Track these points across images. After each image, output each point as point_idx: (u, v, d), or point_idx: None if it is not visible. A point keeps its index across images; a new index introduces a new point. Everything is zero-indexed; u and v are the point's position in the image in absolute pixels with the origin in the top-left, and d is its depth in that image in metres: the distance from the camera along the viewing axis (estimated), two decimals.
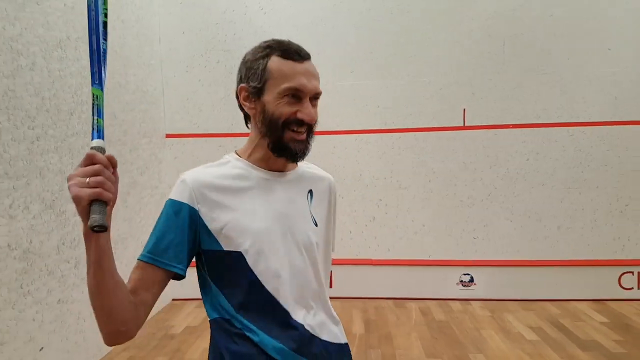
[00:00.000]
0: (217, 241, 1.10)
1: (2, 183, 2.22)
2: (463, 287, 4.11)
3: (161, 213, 1.11)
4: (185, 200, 1.09)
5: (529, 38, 3.97)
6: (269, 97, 1.11)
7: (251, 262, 1.09)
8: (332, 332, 1.19)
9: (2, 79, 2.24)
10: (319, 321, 1.16)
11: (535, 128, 4.02)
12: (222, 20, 4.07)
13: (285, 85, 1.08)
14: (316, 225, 1.20)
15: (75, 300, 2.72)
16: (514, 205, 4.06)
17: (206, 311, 1.16)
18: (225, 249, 1.10)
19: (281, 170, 1.18)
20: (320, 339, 1.15)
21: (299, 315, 1.13)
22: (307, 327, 1.13)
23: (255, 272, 1.10)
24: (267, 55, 1.11)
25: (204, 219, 1.10)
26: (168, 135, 4.14)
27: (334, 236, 1.32)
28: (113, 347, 3.16)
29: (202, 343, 3.30)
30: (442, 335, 3.38)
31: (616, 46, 3.94)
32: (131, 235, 3.44)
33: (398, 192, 4.11)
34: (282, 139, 1.10)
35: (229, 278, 1.11)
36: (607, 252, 4.01)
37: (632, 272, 3.99)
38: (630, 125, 3.95)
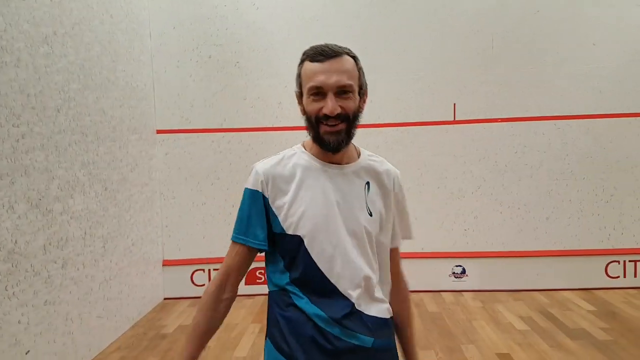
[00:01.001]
0: (282, 225, 1.22)
1: None
2: (455, 279, 4.02)
3: (242, 200, 1.27)
4: (258, 188, 1.24)
5: (516, 34, 3.90)
6: (304, 99, 1.21)
7: (308, 244, 1.21)
8: (377, 308, 1.26)
9: None
10: (365, 299, 1.23)
11: (522, 122, 3.96)
12: (214, 15, 3.91)
13: (308, 85, 1.18)
14: (371, 215, 1.25)
15: (63, 302, 2.57)
16: (503, 197, 3.98)
17: (268, 284, 1.31)
18: (287, 232, 1.22)
19: (339, 162, 1.25)
20: (364, 314, 1.23)
21: (347, 292, 1.21)
22: (354, 302, 1.21)
23: (311, 254, 1.21)
24: (302, 62, 1.21)
25: (272, 205, 1.23)
26: (159, 131, 3.98)
27: (407, 225, 1.37)
28: (104, 348, 3.03)
29: None
30: (434, 327, 3.29)
31: (600, 41, 3.88)
32: (120, 233, 3.28)
33: None
34: (319, 133, 1.18)
35: (292, 256, 1.23)
36: (593, 241, 3.96)
37: (619, 261, 3.94)
38: (614, 118, 3.90)
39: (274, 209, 1.24)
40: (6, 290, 2.15)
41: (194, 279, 4.02)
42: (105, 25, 3.16)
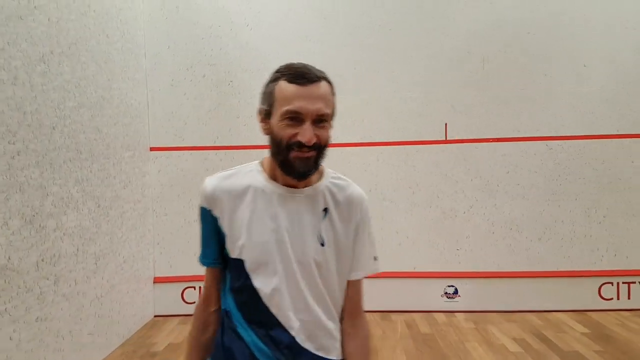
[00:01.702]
0: (227, 247, 1.22)
1: None
2: (448, 299, 4.10)
3: (199, 218, 1.27)
4: (205, 205, 1.23)
5: (507, 55, 4.05)
6: (274, 120, 1.16)
7: (250, 271, 1.19)
8: (322, 347, 1.23)
9: None
10: (308, 335, 1.20)
11: (514, 142, 4.08)
12: (208, 35, 4.06)
13: (285, 108, 1.12)
14: (323, 245, 1.21)
15: (54, 318, 2.64)
16: (495, 217, 4.08)
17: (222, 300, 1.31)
18: (231, 255, 1.22)
19: (296, 186, 1.21)
20: (306, 350, 1.20)
21: (288, 324, 1.19)
22: (294, 336, 1.19)
23: (253, 282, 1.19)
24: (276, 80, 1.16)
25: (220, 224, 1.22)
26: (152, 149, 4.09)
27: (368, 257, 1.30)
28: None
29: None
30: (426, 349, 3.35)
31: (591, 63, 4.03)
32: (112, 251, 3.36)
33: (382, 204, 4.10)
34: (287, 158, 1.14)
35: (236, 279, 1.22)
36: (586, 263, 4.05)
37: (612, 283, 4.03)
38: (606, 139, 4.03)
39: (221, 227, 1.22)
40: None
41: (184, 297, 4.08)
42: (101, 45, 3.29)
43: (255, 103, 4.21)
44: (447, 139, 4.08)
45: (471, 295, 4.09)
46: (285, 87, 1.14)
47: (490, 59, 4.05)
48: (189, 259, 4.08)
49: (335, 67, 4.05)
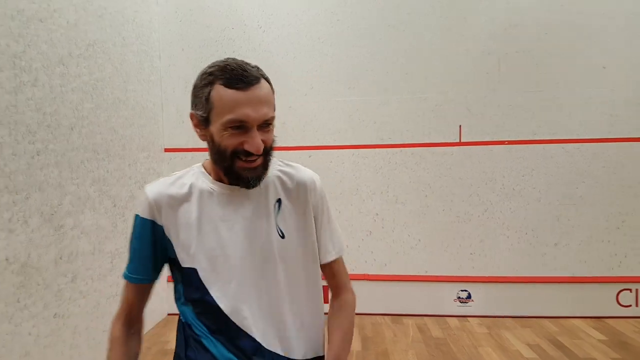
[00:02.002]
0: (176, 256, 1.16)
1: (2, 197, 2.25)
2: (460, 304, 4.12)
3: (132, 228, 1.20)
4: (147, 216, 1.16)
5: (524, 56, 4.05)
6: (214, 128, 1.09)
7: (205, 279, 1.13)
8: (294, 348, 1.17)
9: (4, 95, 2.29)
10: (276, 337, 1.15)
11: (530, 144, 4.07)
12: (221, 37, 4.15)
13: (228, 117, 1.05)
14: (282, 237, 1.16)
15: (72, 315, 2.74)
16: (510, 221, 4.09)
17: (176, 304, 1.24)
18: (182, 265, 1.16)
19: None
20: (278, 355, 1.15)
21: (251, 330, 1.13)
22: (263, 344, 1.13)
23: (209, 290, 1.13)
24: (211, 84, 1.08)
25: (166, 232, 1.16)
26: (166, 150, 4.19)
27: (335, 237, 1.27)
28: None
29: None
30: (439, 353, 3.38)
31: (611, 65, 4.01)
32: (127, 249, 3.44)
33: (395, 207, 4.15)
34: (232, 168, 1.09)
35: (190, 289, 1.16)
36: (604, 269, 4.03)
37: (630, 289, 4.00)
38: (625, 142, 4.01)
39: (168, 236, 1.16)
40: (18, 302, 2.33)
41: None
42: (117, 47, 3.40)
43: None
44: (462, 141, 4.12)
45: (485, 300, 4.11)
46: (223, 93, 1.06)
47: (506, 60, 4.06)
48: None
49: (348, 68, 4.15)
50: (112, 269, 3.22)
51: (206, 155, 4.09)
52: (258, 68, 1.12)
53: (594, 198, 4.04)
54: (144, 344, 3.60)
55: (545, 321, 3.95)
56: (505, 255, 4.10)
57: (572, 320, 3.94)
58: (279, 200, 1.19)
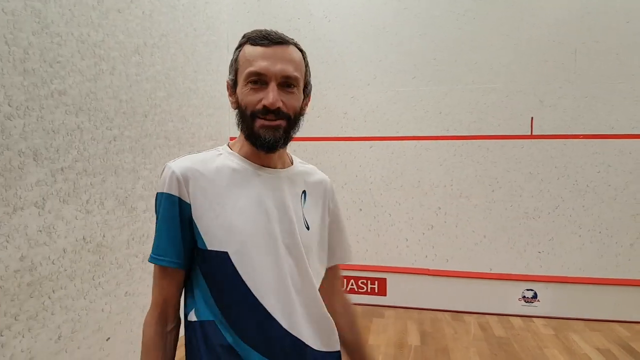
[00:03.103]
0: (203, 239, 1.01)
1: (81, 180, 2.28)
2: (525, 303, 3.84)
3: (156, 209, 1.05)
4: (173, 192, 1.01)
5: (602, 46, 3.68)
6: (239, 88, 1.04)
7: (236, 263, 0.99)
8: (323, 339, 1.09)
9: (84, 82, 2.31)
10: (305, 326, 1.05)
11: (607, 139, 3.72)
12: (287, 28, 4.06)
13: (247, 70, 1.00)
14: (308, 228, 1.09)
15: (141, 294, 2.76)
16: (583, 220, 3.76)
17: (187, 310, 1.05)
18: (210, 248, 1.00)
19: (274, 166, 1.08)
20: (305, 344, 1.04)
21: (283, 320, 1.02)
22: (291, 332, 1.03)
23: (241, 275, 1.00)
24: (241, 46, 1.04)
25: (192, 212, 1.01)
26: (231, 139, 4.16)
27: (346, 244, 1.23)
28: None
29: None
30: (502, 352, 3.16)
31: None
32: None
33: (458, 201, 3.92)
34: (253, 128, 1.01)
35: (217, 279, 1.01)
36: None
37: None
38: None
39: (194, 218, 1.01)
40: (93, 280, 2.36)
41: None
42: (189, 38, 3.39)
43: (329, 94, 4.14)
44: (533, 134, 3.81)
45: (552, 300, 3.80)
46: (247, 50, 1.02)
47: (582, 50, 3.72)
48: None
49: (413, 57, 3.94)
50: None
51: None
52: (294, 39, 1.06)
53: None
54: None
55: (617, 325, 3.63)
56: (575, 254, 3.78)
57: None
58: (304, 192, 1.12)
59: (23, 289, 1.96)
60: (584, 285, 3.76)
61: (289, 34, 3.83)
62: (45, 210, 2.06)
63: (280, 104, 0.99)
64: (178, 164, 1.03)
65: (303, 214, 1.09)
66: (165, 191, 1.02)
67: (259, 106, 0.99)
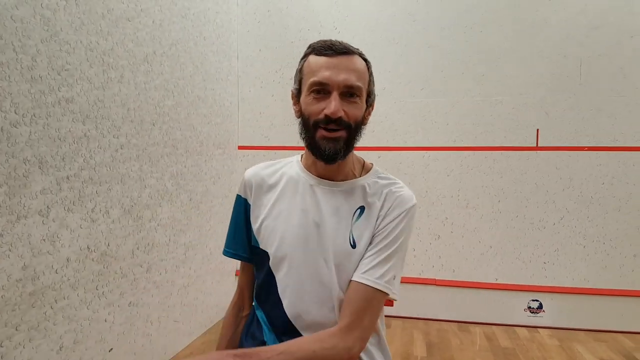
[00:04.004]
0: (256, 238, 1.08)
1: (87, 188, 2.15)
2: (531, 314, 3.67)
3: (233, 206, 1.16)
4: (241, 194, 1.13)
5: (607, 60, 3.55)
6: (302, 97, 1.03)
7: (273, 265, 1.02)
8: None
9: (93, 90, 2.19)
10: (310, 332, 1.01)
11: (611, 151, 3.57)
12: (298, 38, 3.95)
13: (311, 80, 0.99)
14: (353, 246, 1.00)
15: (145, 304, 2.62)
16: (588, 231, 3.60)
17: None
18: (260, 246, 1.07)
19: (332, 178, 1.05)
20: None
21: (294, 320, 1.01)
22: (300, 332, 1.01)
23: (275, 277, 1.02)
24: (306, 56, 1.04)
25: (251, 214, 1.10)
26: (240, 147, 4.05)
27: (379, 269, 0.97)
28: (177, 351, 3.04)
29: None
30: None
31: None
32: (200, 242, 3.33)
33: (465, 211, 3.77)
34: (314, 138, 0.99)
35: (259, 274, 1.08)
36: None
37: None
38: None
39: (251, 219, 1.10)
40: (97, 289, 2.22)
41: None
42: (198, 47, 3.27)
43: None
44: (539, 145, 3.66)
45: (557, 311, 3.64)
46: (311, 60, 1.01)
47: (588, 63, 3.58)
48: None
49: (422, 69, 3.80)
50: (185, 261, 3.10)
51: (278, 154, 3.88)
52: (358, 49, 1.04)
53: None
54: (210, 337, 3.46)
55: (621, 336, 3.47)
56: (580, 265, 3.62)
57: None
58: (361, 208, 1.04)
59: (25, 299, 1.83)
60: (588, 296, 3.60)
61: (299, 44, 3.72)
62: (50, 218, 1.93)
63: (342, 114, 0.96)
64: (250, 170, 1.15)
65: (351, 230, 1.01)
66: (238, 192, 1.15)
67: (321, 115, 0.97)
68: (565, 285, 3.63)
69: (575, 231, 3.62)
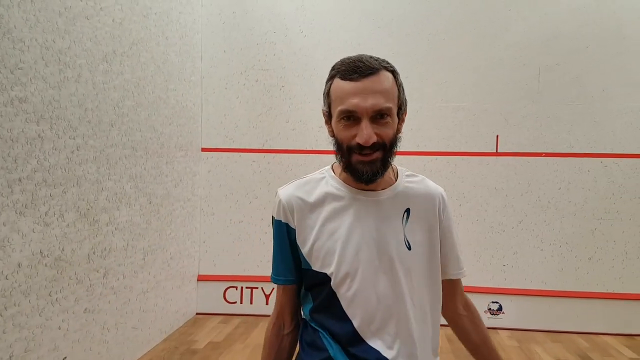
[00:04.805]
0: (307, 261, 1.09)
1: (40, 191, 2.12)
2: (491, 316, 3.83)
3: (273, 232, 1.15)
4: (282, 218, 1.11)
5: (563, 68, 3.77)
6: (333, 121, 1.05)
7: (335, 285, 1.05)
8: (400, 358, 1.06)
9: (48, 90, 2.16)
10: (402, 354, 1.06)
11: (567, 157, 3.78)
12: (263, 41, 3.98)
13: (339, 108, 1.00)
14: (409, 248, 1.07)
15: (101, 310, 2.59)
16: (545, 234, 3.79)
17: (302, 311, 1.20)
18: (313, 268, 1.08)
19: (373, 188, 1.09)
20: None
21: (376, 343, 1.05)
22: (375, 347, 1.05)
23: (338, 296, 1.05)
24: (332, 78, 1.05)
25: (297, 237, 1.09)
26: (204, 149, 4.04)
27: (456, 257, 1.19)
28: (136, 359, 3.01)
29: None
30: None
31: None
32: (160, 247, 3.30)
33: None
34: (350, 162, 1.03)
35: (318, 294, 1.10)
36: (639, 285, 3.70)
37: None
38: None
39: (298, 243, 1.10)
40: (50, 296, 2.19)
41: (226, 296, 4.00)
42: (160, 47, 3.26)
43: (304, 107, 4.07)
44: (498, 151, 3.83)
45: (516, 312, 3.81)
46: (338, 85, 1.02)
47: (545, 72, 3.78)
48: (232, 258, 4.00)
49: None
50: (144, 266, 3.07)
51: (243, 157, 3.88)
52: (383, 60, 1.04)
53: (631, 214, 3.74)
54: (171, 343, 3.45)
55: (577, 337, 3.66)
56: (538, 268, 3.80)
57: (604, 337, 3.65)
58: (407, 210, 1.10)
59: None
60: (545, 298, 3.79)
61: (264, 46, 3.73)
62: (0, 222, 1.89)
63: (374, 139, 0.98)
64: (285, 192, 1.12)
65: (404, 234, 1.08)
66: (276, 217, 1.13)
67: (354, 142, 0.99)
68: (524, 288, 3.80)
69: (533, 235, 3.81)
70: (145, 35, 3.04)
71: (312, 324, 1.13)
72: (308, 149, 3.94)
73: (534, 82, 3.79)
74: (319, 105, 4.29)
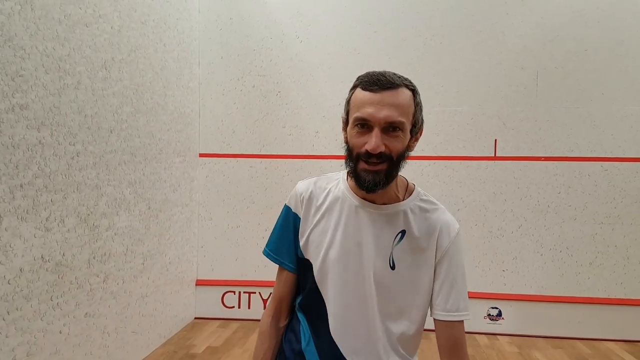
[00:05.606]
0: (302, 250, 1.19)
1: (41, 196, 2.21)
2: (490, 321, 3.90)
3: (279, 215, 1.25)
4: (292, 208, 1.21)
5: (562, 72, 3.85)
6: (348, 128, 1.12)
7: (318, 279, 1.16)
8: None
9: (48, 97, 2.25)
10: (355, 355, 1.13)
11: (567, 161, 3.86)
12: (260, 47, 4.09)
13: (355, 115, 1.07)
14: (393, 268, 1.12)
15: (102, 315, 2.67)
16: (545, 239, 3.87)
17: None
18: (304, 256, 1.19)
19: (374, 201, 1.14)
20: None
21: (347, 351, 1.13)
22: (343, 354, 1.13)
23: (320, 291, 1.16)
24: (354, 87, 1.11)
25: (300, 226, 1.20)
26: (201, 155, 4.14)
27: (454, 298, 1.14)
28: None
29: None
30: None
31: None
32: (159, 251, 3.40)
33: None
34: (356, 169, 1.09)
35: (304, 282, 1.20)
36: None
37: None
38: None
39: (299, 233, 1.20)
40: (51, 300, 2.28)
41: (224, 301, 4.08)
42: (158, 53, 3.36)
43: (301, 113, 4.16)
44: (497, 155, 3.92)
45: (516, 318, 3.88)
46: (358, 94, 1.08)
47: (544, 75, 3.87)
48: (230, 263, 4.09)
49: None
50: (143, 271, 3.16)
51: (240, 162, 3.98)
52: (405, 79, 1.10)
53: (632, 218, 3.80)
54: (170, 348, 3.53)
55: (578, 343, 3.72)
56: (538, 273, 3.88)
57: (606, 343, 3.71)
58: (402, 232, 1.14)
59: None
60: (546, 304, 3.85)
61: (261, 52, 3.86)
62: (2, 228, 1.98)
63: (382, 149, 1.04)
64: (303, 185, 1.23)
65: (392, 253, 1.12)
66: (287, 204, 1.23)
67: (363, 150, 1.05)
68: (524, 293, 3.88)
69: (532, 239, 3.88)
70: (143, 42, 3.15)
71: (299, 314, 1.23)
72: (305, 154, 4.03)
73: (532, 85, 3.88)
74: (316, 110, 4.42)
